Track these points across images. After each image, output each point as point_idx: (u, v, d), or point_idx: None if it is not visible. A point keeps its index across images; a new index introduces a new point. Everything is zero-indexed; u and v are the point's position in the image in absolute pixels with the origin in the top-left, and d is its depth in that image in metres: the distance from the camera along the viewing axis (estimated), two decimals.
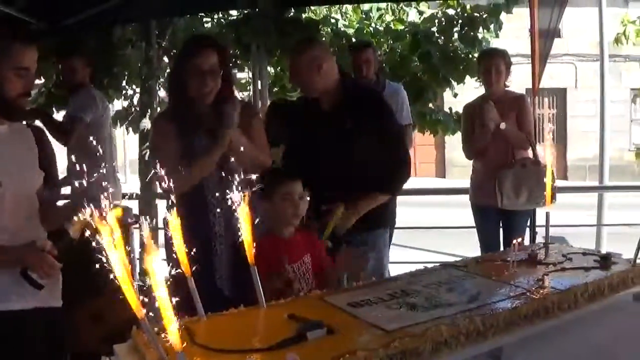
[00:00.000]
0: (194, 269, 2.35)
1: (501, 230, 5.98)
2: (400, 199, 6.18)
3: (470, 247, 6.14)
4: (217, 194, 3.57)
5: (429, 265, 3.32)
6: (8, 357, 3.08)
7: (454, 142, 6.64)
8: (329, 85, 4.19)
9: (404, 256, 7.26)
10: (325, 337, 2.28)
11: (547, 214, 3.52)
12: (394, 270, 5.32)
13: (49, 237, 3.15)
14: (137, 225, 2.25)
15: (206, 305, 2.52)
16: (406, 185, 4.48)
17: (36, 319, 3.15)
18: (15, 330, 3.08)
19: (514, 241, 3.28)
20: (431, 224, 10.47)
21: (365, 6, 9.68)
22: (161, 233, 5.47)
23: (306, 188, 3.67)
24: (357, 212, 4.08)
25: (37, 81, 8.75)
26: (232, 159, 3.11)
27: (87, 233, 2.02)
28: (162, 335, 1.94)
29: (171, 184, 2.29)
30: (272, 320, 2.58)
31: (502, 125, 5.62)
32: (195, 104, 3.86)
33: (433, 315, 2.48)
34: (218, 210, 3.80)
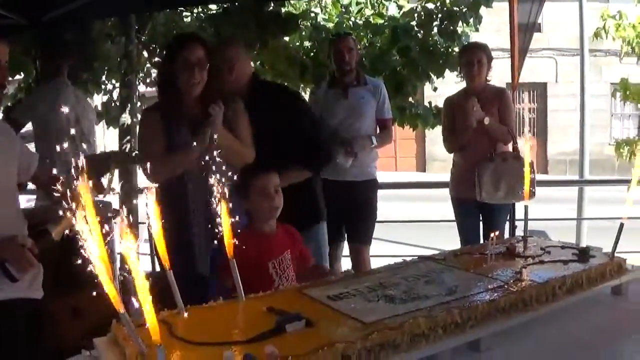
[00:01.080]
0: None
1: (481, 223, 6.00)
2: (380, 192, 6.20)
3: (450, 240, 6.16)
4: (197, 185, 3.69)
5: (408, 259, 3.34)
6: None
7: (435, 136, 6.68)
8: (242, 85, 4.34)
9: (384, 250, 7.28)
10: (303, 330, 2.29)
11: (526, 208, 3.54)
12: (374, 264, 5.34)
13: (30, 235, 3.16)
14: (117, 220, 2.30)
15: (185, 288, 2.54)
16: (387, 179, 4.55)
17: (16, 310, 3.15)
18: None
19: (492, 234, 3.29)
20: (411, 218, 10.50)
21: (345, 0, 9.67)
22: (142, 228, 5.49)
23: None
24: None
25: (17, 76, 8.75)
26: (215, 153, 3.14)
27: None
28: (142, 329, 1.94)
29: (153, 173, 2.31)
30: (251, 313, 2.58)
31: (487, 120, 5.62)
32: (183, 97, 3.97)
33: (411, 308, 2.48)
34: (198, 201, 3.90)
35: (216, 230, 2.54)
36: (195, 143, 3.74)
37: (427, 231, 10.23)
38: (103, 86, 9.35)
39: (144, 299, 1.75)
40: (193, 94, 3.96)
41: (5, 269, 2.97)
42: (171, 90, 4.01)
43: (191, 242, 3.92)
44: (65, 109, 5.55)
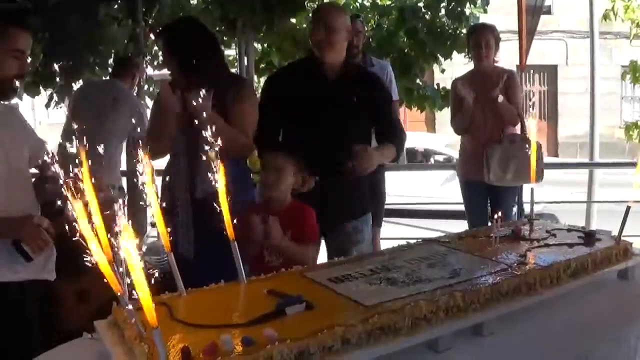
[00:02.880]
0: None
1: (489, 206, 5.98)
2: (389, 174, 6.18)
3: (459, 223, 6.13)
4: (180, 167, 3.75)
5: (412, 241, 3.31)
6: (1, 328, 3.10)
7: (444, 119, 6.63)
8: (342, 57, 4.25)
9: (392, 232, 7.26)
10: (304, 313, 2.27)
11: (532, 190, 3.50)
12: (383, 247, 5.32)
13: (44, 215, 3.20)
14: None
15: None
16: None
17: (30, 292, 3.17)
18: (8, 301, 3.13)
19: (495, 216, 3.26)
20: (419, 200, 10.47)
21: None
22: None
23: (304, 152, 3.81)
24: (379, 153, 4.15)
25: None
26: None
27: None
28: (143, 312, 1.93)
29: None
30: (251, 296, 2.57)
31: (500, 98, 5.61)
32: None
33: (413, 291, 2.46)
34: (182, 181, 4.02)
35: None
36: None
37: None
38: (110, 69, 9.34)
39: (139, 282, 1.72)
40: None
41: (20, 249, 2.99)
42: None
43: (174, 223, 3.93)
44: None
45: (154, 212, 2.33)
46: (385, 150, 4.26)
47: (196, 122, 3.38)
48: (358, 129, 4.18)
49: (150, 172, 2.30)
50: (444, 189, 11.40)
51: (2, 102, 3.35)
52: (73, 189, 1.91)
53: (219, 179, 2.39)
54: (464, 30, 7.43)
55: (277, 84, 4.47)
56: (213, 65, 4.14)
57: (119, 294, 2.02)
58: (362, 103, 4.18)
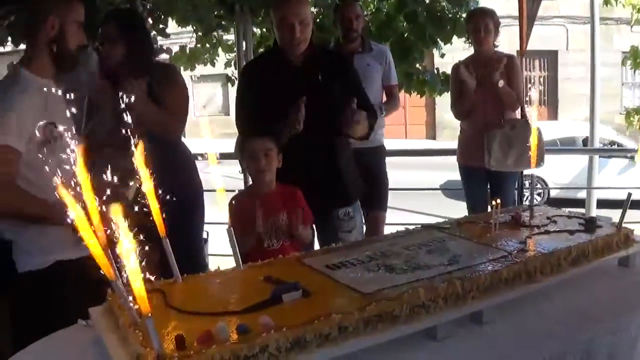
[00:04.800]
0: None
1: (489, 191, 5.96)
2: (390, 160, 6.16)
3: (461, 208, 6.11)
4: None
5: (411, 227, 3.28)
6: (69, 302, 3.10)
7: (445, 104, 6.63)
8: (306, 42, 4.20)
9: (394, 218, 7.25)
10: (300, 300, 2.25)
11: (533, 176, 3.48)
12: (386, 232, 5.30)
13: None
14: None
15: None
16: (397, 147, 4.51)
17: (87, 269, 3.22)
18: (73, 277, 3.18)
19: (494, 202, 3.23)
20: (421, 186, 10.47)
21: None
22: None
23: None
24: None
25: (22, 45, 8.69)
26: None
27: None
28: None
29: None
30: (248, 283, 2.54)
31: (501, 83, 5.59)
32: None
33: (411, 278, 2.44)
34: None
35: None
36: None
37: (436, 199, 10.21)
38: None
39: (131, 268, 1.69)
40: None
41: None
42: None
43: None
44: None
45: (148, 198, 2.30)
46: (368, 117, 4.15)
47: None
48: (331, 108, 4.08)
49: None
50: None
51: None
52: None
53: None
54: (464, 15, 7.38)
55: (249, 75, 4.50)
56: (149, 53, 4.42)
57: (113, 280, 1.99)
58: (328, 81, 4.12)
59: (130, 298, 1.97)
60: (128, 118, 2.41)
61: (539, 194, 13.00)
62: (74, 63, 3.49)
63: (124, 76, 4.04)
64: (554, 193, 12.88)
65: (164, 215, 2.30)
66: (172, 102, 4.25)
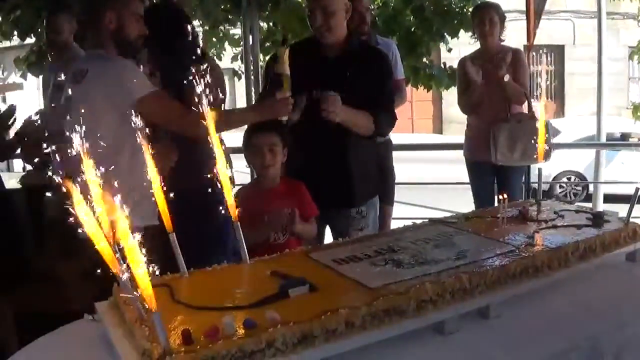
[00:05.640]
0: None
1: (495, 186, 5.95)
2: (397, 154, 6.15)
3: (468, 203, 6.10)
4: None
5: (419, 222, 3.27)
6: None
7: (452, 98, 6.62)
8: (344, 34, 4.17)
9: (400, 212, 7.24)
10: (307, 295, 2.24)
11: (540, 170, 3.46)
12: (392, 226, 5.29)
13: None
14: None
15: None
16: (403, 141, 4.47)
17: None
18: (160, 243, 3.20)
19: (500, 197, 3.22)
20: (428, 180, 10.44)
21: None
22: None
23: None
24: (350, 110, 3.96)
25: (28, 40, 8.71)
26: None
27: None
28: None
29: None
30: (254, 277, 2.54)
31: (506, 77, 5.58)
32: None
33: (418, 273, 2.42)
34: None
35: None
36: None
37: (444, 194, 10.19)
38: None
39: (136, 263, 1.69)
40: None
41: None
42: None
43: None
44: None
45: (154, 191, 2.30)
46: (360, 114, 4.07)
47: None
48: (354, 105, 4.05)
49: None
50: None
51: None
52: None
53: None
54: (471, 9, 7.37)
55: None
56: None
57: (119, 275, 1.98)
58: (357, 77, 4.06)
59: (137, 293, 1.96)
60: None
61: (574, 194, 12.94)
62: (136, 51, 3.79)
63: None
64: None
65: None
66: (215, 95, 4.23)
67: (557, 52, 25.41)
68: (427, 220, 3.30)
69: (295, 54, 4.12)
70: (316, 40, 4.20)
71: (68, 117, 3.22)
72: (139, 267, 1.70)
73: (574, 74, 24.98)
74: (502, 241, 2.82)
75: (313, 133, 3.90)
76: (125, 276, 1.93)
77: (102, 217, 1.92)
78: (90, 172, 1.89)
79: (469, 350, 2.25)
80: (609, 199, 9.60)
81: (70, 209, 1.82)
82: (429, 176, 11.39)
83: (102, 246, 1.86)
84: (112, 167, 3.13)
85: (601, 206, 9.32)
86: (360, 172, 4.21)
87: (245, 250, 2.62)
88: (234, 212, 2.50)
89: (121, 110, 3.43)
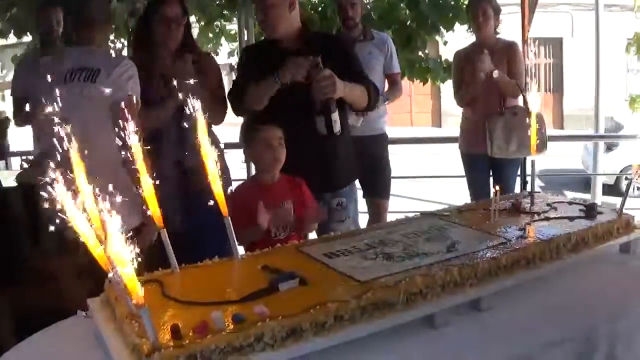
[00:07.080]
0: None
1: (491, 179, 5.95)
2: (395, 148, 6.16)
3: (466, 196, 6.10)
4: (174, 142, 3.77)
5: (411, 215, 3.27)
6: None
7: (450, 92, 6.60)
8: (294, 28, 4.16)
9: (399, 206, 7.25)
10: (297, 289, 2.24)
11: (533, 162, 3.46)
12: (388, 220, 5.30)
13: None
14: None
15: None
16: (402, 135, 4.47)
17: None
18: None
19: (494, 189, 3.22)
20: (427, 173, 10.46)
21: None
22: None
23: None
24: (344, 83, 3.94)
25: (25, 38, 8.71)
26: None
27: None
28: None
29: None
30: (245, 272, 2.54)
31: (495, 74, 5.58)
32: (158, 51, 4.19)
33: (409, 266, 2.42)
34: (175, 158, 4.10)
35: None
36: (167, 99, 3.97)
37: (442, 187, 10.20)
38: (112, 45, 9.28)
39: (121, 260, 1.69)
40: (168, 50, 4.16)
41: None
42: (146, 45, 4.21)
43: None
44: None
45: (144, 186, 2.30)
46: (356, 86, 4.08)
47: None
48: None
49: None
50: None
51: None
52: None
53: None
54: (466, 2, 7.37)
55: (246, 64, 4.43)
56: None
57: (109, 271, 1.98)
58: (326, 64, 3.94)
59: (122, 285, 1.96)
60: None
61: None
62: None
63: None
64: None
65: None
66: (213, 88, 4.29)
67: (556, 45, 25.43)
68: (419, 213, 3.30)
69: (249, 55, 4.19)
70: (272, 39, 4.21)
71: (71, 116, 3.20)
72: (125, 265, 1.70)
73: (572, 66, 24.96)
74: (494, 234, 2.81)
75: (286, 118, 3.82)
76: (115, 272, 1.93)
77: (92, 214, 1.92)
78: (80, 167, 1.90)
79: (460, 343, 2.24)
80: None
81: (62, 206, 1.83)
82: (428, 169, 11.39)
83: (92, 244, 1.87)
84: (110, 165, 3.15)
85: (599, 198, 9.33)
86: (334, 158, 4.20)
87: (237, 245, 2.61)
88: (224, 207, 2.49)
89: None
